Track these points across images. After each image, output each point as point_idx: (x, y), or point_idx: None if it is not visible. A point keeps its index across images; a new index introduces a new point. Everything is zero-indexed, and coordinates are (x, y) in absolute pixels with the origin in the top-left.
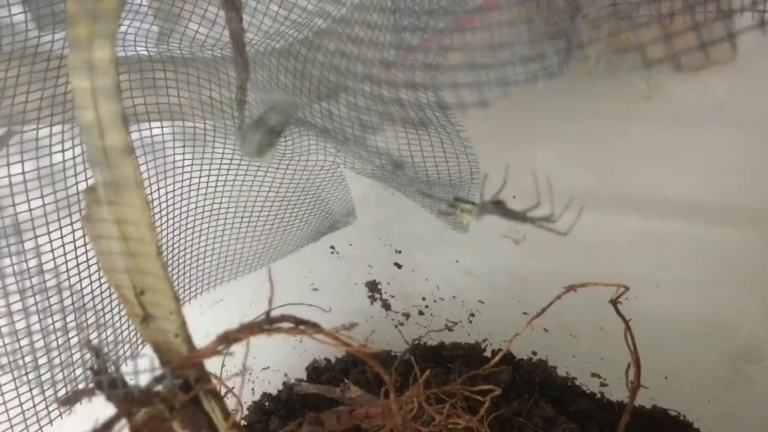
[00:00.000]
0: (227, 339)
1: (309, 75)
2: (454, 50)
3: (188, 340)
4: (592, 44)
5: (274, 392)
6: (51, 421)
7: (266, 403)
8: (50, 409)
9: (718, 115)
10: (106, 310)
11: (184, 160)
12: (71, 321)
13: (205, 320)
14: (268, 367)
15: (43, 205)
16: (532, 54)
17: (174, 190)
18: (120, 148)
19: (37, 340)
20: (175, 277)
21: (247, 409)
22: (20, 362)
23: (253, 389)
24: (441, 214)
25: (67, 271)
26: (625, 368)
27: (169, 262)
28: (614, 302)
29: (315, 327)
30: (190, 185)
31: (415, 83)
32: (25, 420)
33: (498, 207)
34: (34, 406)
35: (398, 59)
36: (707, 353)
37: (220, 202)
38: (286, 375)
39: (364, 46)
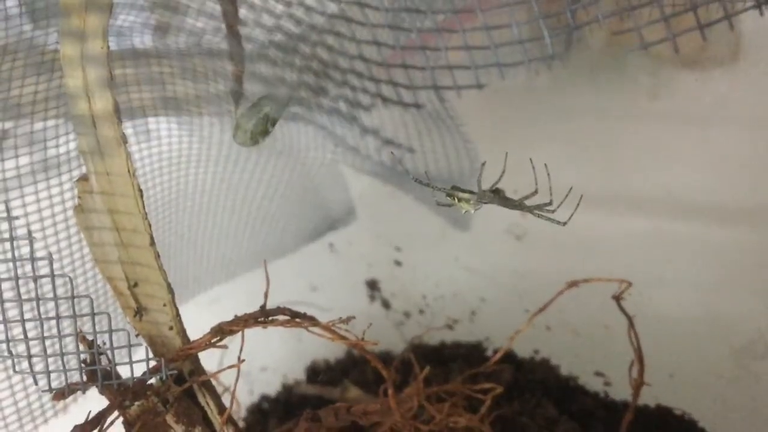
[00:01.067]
0: (222, 331)
1: (301, 51)
2: (453, 32)
3: (182, 332)
4: (590, 26)
5: (273, 393)
6: (46, 420)
7: (265, 405)
8: (45, 408)
9: (722, 112)
10: (100, 300)
11: (180, 155)
12: (64, 310)
13: (201, 320)
14: (266, 368)
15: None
16: (531, 37)
17: (171, 187)
18: (107, 114)
19: (33, 339)
20: (169, 275)
21: (246, 409)
22: (13, 352)
23: (251, 390)
24: (440, 204)
25: (59, 250)
26: (629, 366)
27: (162, 257)
28: (617, 298)
29: (311, 320)
30: (186, 182)
31: (410, 65)
32: (20, 419)
33: (496, 196)
34: (29, 404)
35: (395, 44)
36: (712, 351)
37: (216, 200)
38: (284, 376)
39: (358, 28)
